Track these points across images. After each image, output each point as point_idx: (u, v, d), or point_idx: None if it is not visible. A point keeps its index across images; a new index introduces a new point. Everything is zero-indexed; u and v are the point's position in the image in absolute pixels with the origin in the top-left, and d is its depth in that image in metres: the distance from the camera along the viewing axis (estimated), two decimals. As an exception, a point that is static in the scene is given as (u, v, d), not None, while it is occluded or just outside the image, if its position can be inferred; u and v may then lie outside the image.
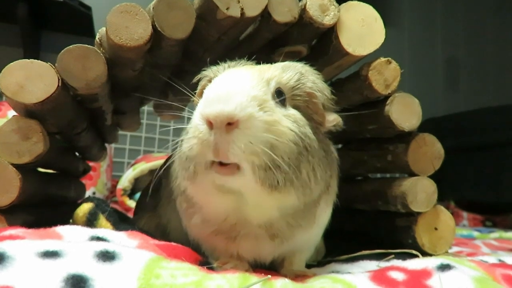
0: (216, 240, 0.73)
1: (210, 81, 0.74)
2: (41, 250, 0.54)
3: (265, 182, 0.62)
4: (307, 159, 0.66)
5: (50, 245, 0.56)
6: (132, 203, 2.32)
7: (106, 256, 0.55)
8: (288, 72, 0.71)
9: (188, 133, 0.65)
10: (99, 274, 0.51)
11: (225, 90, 0.62)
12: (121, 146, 2.92)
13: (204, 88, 0.72)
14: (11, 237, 0.61)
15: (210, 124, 0.60)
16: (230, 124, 0.59)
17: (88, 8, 2.45)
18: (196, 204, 0.72)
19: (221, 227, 0.71)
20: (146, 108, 2.79)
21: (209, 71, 0.77)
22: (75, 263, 0.52)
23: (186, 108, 0.79)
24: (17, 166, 0.76)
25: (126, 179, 2.41)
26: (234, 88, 0.62)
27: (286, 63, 0.74)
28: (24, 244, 0.55)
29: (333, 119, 0.74)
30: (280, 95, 0.68)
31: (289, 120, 0.66)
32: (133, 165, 2.53)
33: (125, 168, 2.80)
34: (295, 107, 0.70)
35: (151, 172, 2.38)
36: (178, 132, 0.73)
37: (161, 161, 1.63)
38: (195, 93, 0.78)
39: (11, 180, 0.75)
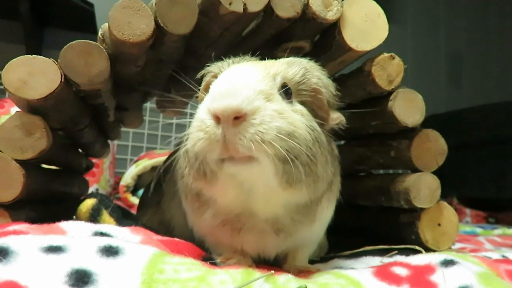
0: (221, 233, 0.72)
1: (215, 76, 0.74)
2: (45, 245, 0.54)
3: (283, 177, 0.61)
4: (320, 150, 0.66)
5: (53, 240, 0.56)
6: (135, 200, 2.32)
7: (110, 251, 0.55)
8: (294, 67, 0.71)
9: (193, 127, 0.64)
10: (102, 269, 0.51)
11: (232, 84, 0.62)
12: (124, 143, 2.92)
13: (209, 84, 0.72)
14: (15, 232, 0.61)
15: (217, 119, 0.60)
16: (238, 118, 0.59)
17: (90, 5, 2.45)
18: (210, 201, 0.71)
19: (227, 217, 0.71)
20: (149, 105, 2.79)
21: (213, 67, 0.77)
22: (78, 258, 0.53)
23: (189, 104, 0.79)
24: (20, 162, 0.76)
25: (129, 176, 2.42)
26: (241, 83, 0.62)
27: (291, 58, 0.74)
28: (28, 239, 0.56)
29: (336, 117, 0.74)
30: (286, 90, 0.68)
31: (296, 114, 0.66)
32: (136, 161, 2.54)
33: (128, 164, 2.81)
34: (301, 102, 0.71)
35: (154, 168, 2.38)
36: (181, 128, 0.72)
37: (164, 158, 1.64)
38: (198, 89, 0.78)
39: (15, 176, 0.76)
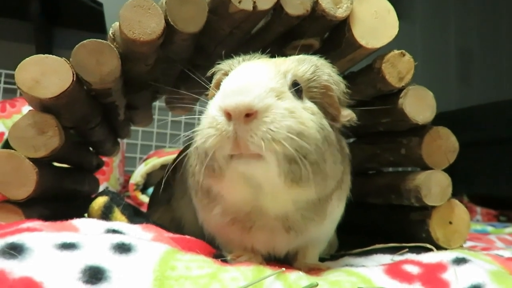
0: (231, 231, 0.73)
1: (225, 74, 0.74)
2: (59, 242, 0.55)
3: (287, 176, 0.62)
4: (329, 149, 0.66)
5: (67, 237, 0.57)
6: (144, 198, 2.34)
7: (122, 248, 0.56)
8: (304, 64, 0.71)
9: (203, 124, 0.65)
10: (115, 266, 0.52)
11: (244, 82, 0.62)
12: (133, 141, 2.94)
13: (219, 81, 0.73)
14: (28, 230, 0.62)
15: (229, 116, 0.60)
16: (249, 116, 0.59)
17: (100, 4, 2.47)
18: (219, 197, 0.71)
19: (237, 216, 0.71)
20: (158, 104, 2.80)
21: (223, 65, 0.77)
22: (92, 255, 0.53)
23: (198, 102, 0.79)
24: (33, 160, 0.77)
25: (138, 174, 2.44)
26: (252, 80, 0.62)
27: (301, 56, 0.74)
28: (42, 236, 0.56)
29: (347, 114, 0.74)
30: (296, 88, 0.68)
31: (307, 112, 0.66)
32: (145, 160, 2.55)
33: (137, 163, 2.83)
34: (311, 100, 0.70)
35: (163, 167, 2.40)
36: (190, 127, 0.73)
37: (173, 156, 1.64)
38: (208, 87, 0.78)
39: (28, 174, 0.76)
